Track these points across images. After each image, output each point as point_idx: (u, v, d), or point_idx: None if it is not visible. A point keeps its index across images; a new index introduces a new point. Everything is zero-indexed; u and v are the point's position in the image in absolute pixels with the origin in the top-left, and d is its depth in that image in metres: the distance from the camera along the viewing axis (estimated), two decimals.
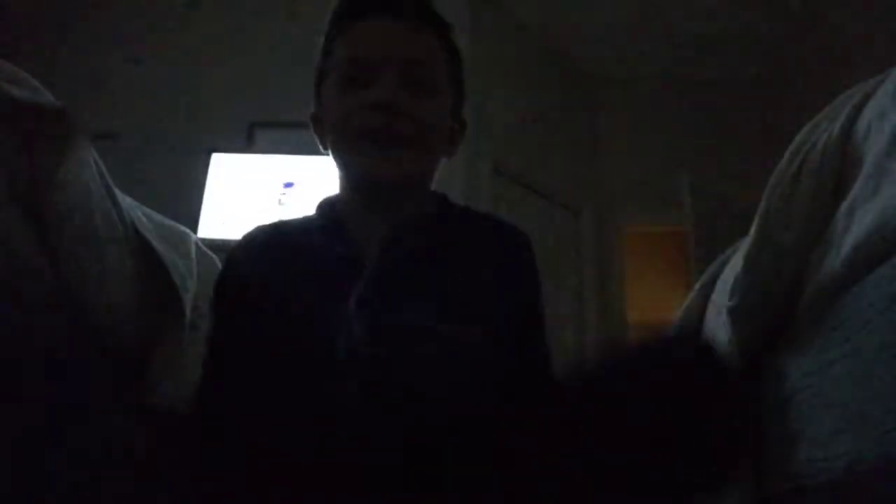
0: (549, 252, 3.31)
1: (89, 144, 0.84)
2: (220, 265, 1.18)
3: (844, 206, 0.61)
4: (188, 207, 2.56)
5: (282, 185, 2.65)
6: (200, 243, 1.15)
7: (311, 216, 0.82)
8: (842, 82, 0.74)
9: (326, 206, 0.82)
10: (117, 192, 0.93)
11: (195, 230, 2.28)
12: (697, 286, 0.92)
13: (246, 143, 2.88)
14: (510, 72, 3.39)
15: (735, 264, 0.77)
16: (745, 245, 0.73)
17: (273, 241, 0.80)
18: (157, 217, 1.06)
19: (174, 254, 1.00)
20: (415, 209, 0.78)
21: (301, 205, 2.61)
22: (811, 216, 0.65)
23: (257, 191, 2.66)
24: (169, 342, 0.95)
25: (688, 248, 3.26)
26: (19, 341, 0.51)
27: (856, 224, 0.58)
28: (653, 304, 3.93)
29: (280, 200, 2.62)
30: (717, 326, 0.77)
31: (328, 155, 0.79)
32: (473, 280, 0.73)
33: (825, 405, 0.59)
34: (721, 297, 0.79)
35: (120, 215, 0.91)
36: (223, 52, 3.05)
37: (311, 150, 0.85)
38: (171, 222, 1.10)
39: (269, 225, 0.82)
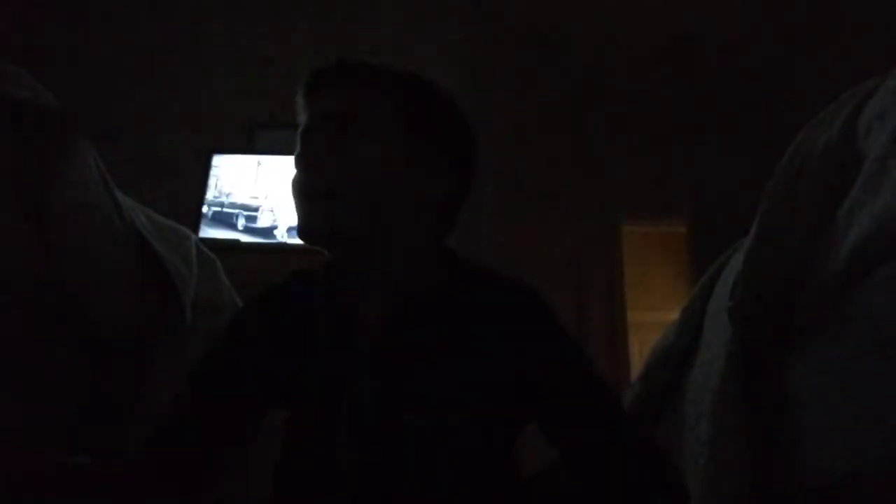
0: (550, 253, 3.31)
1: (89, 144, 0.84)
2: (220, 266, 1.18)
3: (844, 206, 0.61)
4: (188, 207, 2.56)
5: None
6: (200, 243, 1.15)
7: (319, 273, 0.76)
8: (842, 82, 0.74)
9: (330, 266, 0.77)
10: (117, 192, 0.93)
11: (195, 230, 2.28)
12: (697, 286, 0.91)
13: (246, 143, 2.88)
14: (510, 72, 3.38)
15: (735, 264, 0.77)
16: (745, 245, 0.73)
17: (281, 307, 0.75)
18: (157, 217, 1.06)
19: (174, 254, 1.00)
20: (402, 275, 0.71)
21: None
22: (811, 216, 0.65)
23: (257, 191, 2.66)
24: (169, 342, 0.95)
25: (688, 248, 3.26)
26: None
27: (856, 224, 0.58)
28: (653, 304, 3.94)
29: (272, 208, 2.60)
30: (717, 326, 0.77)
31: None
32: (478, 364, 0.66)
33: (826, 405, 0.59)
34: (721, 298, 0.79)
35: (120, 215, 0.91)
36: (223, 52, 3.05)
37: None
38: (171, 222, 1.10)
39: (278, 287, 0.78)
